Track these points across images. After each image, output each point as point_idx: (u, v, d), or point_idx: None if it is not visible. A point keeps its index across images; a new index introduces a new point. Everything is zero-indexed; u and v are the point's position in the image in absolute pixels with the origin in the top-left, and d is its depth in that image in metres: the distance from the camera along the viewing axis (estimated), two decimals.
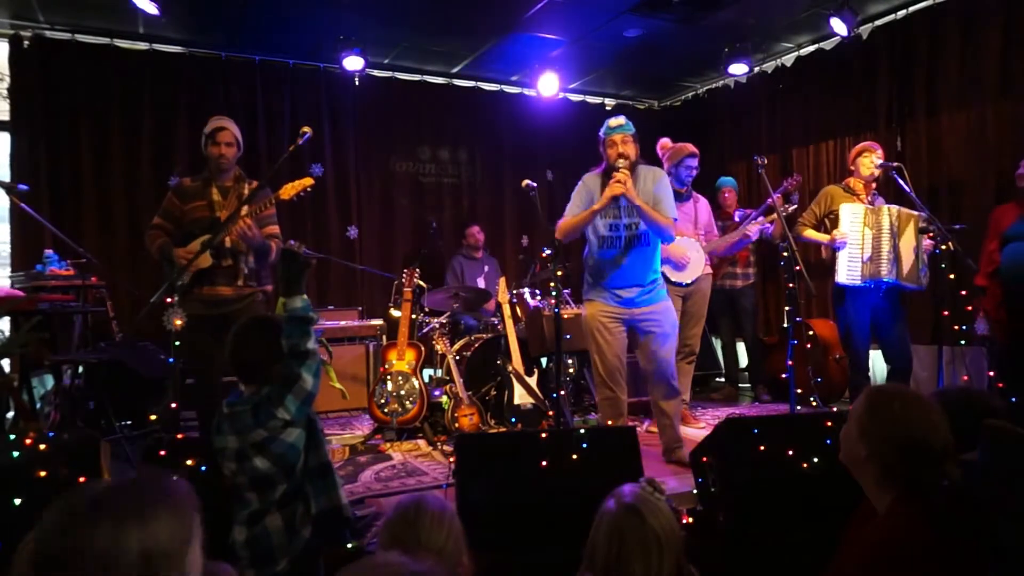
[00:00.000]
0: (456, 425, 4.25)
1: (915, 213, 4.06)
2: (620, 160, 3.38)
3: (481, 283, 5.82)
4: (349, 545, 2.17)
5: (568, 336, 4.36)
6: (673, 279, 4.46)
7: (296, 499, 2.10)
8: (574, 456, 2.42)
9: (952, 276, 3.98)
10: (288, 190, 3.29)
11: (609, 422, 3.54)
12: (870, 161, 4.20)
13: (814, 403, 4.68)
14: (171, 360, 3.06)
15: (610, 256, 3.53)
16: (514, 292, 5.01)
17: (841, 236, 4.11)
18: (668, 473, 3.48)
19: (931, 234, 3.93)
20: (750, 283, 5.53)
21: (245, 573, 2.02)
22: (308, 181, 3.27)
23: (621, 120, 3.51)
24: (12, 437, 2.25)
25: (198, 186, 3.49)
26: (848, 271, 4.08)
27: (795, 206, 4.97)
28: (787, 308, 4.74)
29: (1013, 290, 3.88)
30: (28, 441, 2.15)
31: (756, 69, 6.31)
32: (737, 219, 5.35)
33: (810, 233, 4.37)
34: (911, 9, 5.21)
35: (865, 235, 4.05)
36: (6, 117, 5.26)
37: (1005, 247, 3.94)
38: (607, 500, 1.51)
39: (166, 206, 3.50)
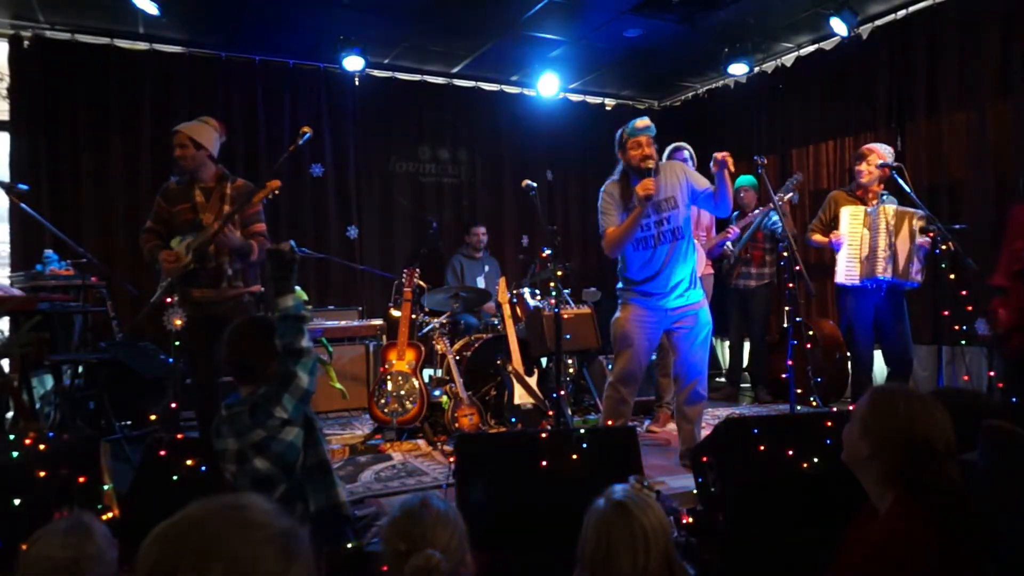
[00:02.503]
0: (456, 425, 4.25)
1: (910, 211, 4.06)
2: (647, 161, 3.28)
3: (481, 283, 5.82)
4: (349, 544, 2.17)
5: (568, 336, 4.35)
6: None
7: (296, 498, 2.10)
8: (574, 456, 2.42)
9: (952, 276, 3.98)
10: (257, 195, 3.28)
11: (609, 421, 3.53)
12: (864, 167, 4.21)
13: (814, 403, 4.68)
14: (171, 360, 3.07)
15: (644, 258, 3.43)
16: (514, 292, 5.00)
17: (837, 237, 4.15)
18: (668, 472, 3.48)
19: (931, 233, 3.94)
20: (764, 283, 5.51)
21: None
22: (275, 184, 3.25)
23: (647, 121, 3.36)
24: (12, 437, 2.24)
25: (182, 188, 3.49)
26: (846, 271, 4.11)
27: (790, 194, 4.94)
28: (787, 308, 4.74)
29: None
30: (28, 441, 2.15)
31: (756, 69, 6.30)
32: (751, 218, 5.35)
33: (816, 237, 4.44)
34: (911, 9, 5.21)
35: (863, 236, 4.07)
36: (6, 117, 5.26)
37: None
38: (597, 499, 1.52)
39: (155, 209, 3.52)
